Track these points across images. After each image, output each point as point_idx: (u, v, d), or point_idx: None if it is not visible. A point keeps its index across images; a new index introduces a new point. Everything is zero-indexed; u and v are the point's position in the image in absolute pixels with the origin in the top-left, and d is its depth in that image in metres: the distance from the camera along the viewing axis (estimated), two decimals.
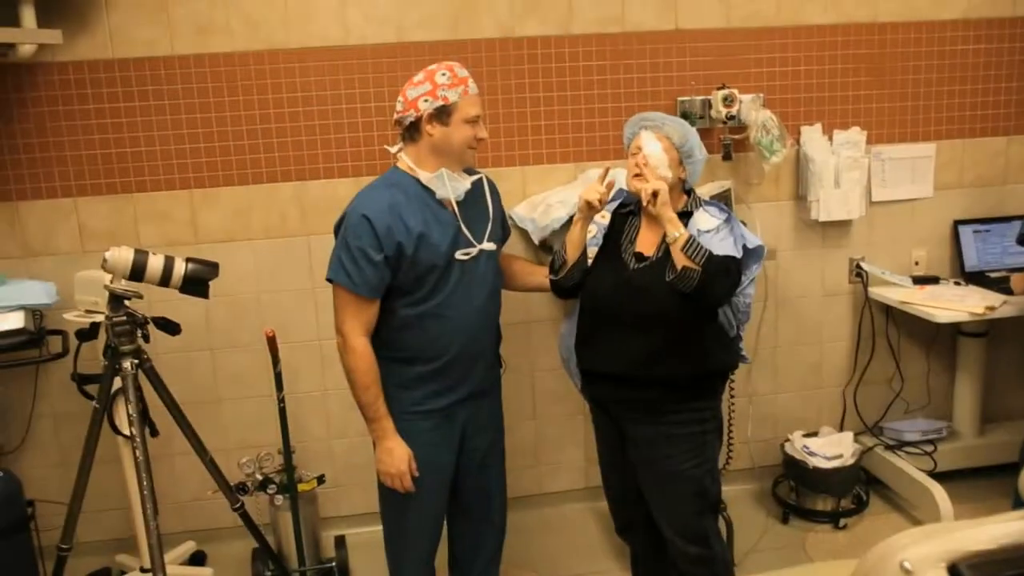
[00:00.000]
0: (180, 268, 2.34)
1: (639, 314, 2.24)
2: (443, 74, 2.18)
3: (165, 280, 2.33)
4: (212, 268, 2.41)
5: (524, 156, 3.19)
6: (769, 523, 3.31)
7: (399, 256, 2.17)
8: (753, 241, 2.27)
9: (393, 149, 2.31)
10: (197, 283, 2.37)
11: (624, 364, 2.29)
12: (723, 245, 2.21)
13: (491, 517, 2.55)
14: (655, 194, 2.14)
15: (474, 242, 2.26)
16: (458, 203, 2.26)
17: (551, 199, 3.00)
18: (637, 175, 2.26)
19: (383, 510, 2.44)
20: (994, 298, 3.20)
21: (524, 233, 3.08)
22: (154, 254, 2.34)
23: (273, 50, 2.99)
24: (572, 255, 2.35)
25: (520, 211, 3.11)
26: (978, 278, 3.45)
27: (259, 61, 2.99)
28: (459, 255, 2.23)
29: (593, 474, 3.45)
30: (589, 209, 2.28)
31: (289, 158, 3.07)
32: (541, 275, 2.55)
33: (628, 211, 2.40)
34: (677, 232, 2.14)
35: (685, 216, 2.27)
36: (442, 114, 2.17)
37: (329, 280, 2.23)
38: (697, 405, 2.30)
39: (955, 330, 3.47)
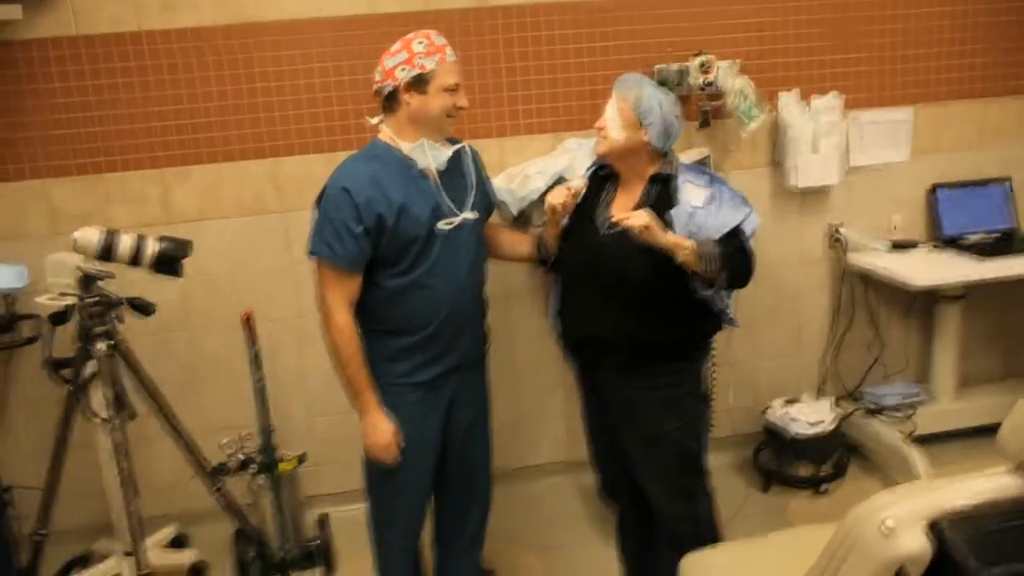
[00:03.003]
0: (151, 247, 2.31)
1: (611, 280, 2.24)
2: (420, 42, 2.15)
3: (136, 259, 2.30)
4: (184, 246, 2.37)
5: (501, 127, 3.15)
6: (750, 491, 3.33)
7: (380, 228, 2.15)
8: (742, 208, 2.25)
9: (373, 120, 2.28)
10: (169, 262, 2.33)
11: (598, 328, 2.30)
12: (722, 217, 2.19)
13: (476, 491, 2.54)
14: (646, 228, 2.08)
15: (456, 211, 2.24)
16: (440, 173, 2.24)
17: (529, 170, 2.97)
18: (599, 139, 2.29)
19: (367, 486, 2.43)
20: None
21: (502, 204, 3.05)
22: (124, 233, 2.30)
23: (242, 24, 2.93)
24: (554, 248, 2.38)
25: (498, 182, 3.07)
26: (955, 242, 3.47)
27: (228, 35, 2.93)
28: (441, 225, 2.21)
29: (575, 446, 3.46)
30: (554, 213, 2.31)
31: (262, 134, 3.03)
32: (527, 245, 2.54)
33: (605, 174, 2.38)
34: (684, 249, 2.10)
35: (663, 180, 2.25)
36: (420, 83, 2.14)
37: (311, 254, 2.21)
38: (673, 367, 2.30)
39: (933, 294, 3.48)
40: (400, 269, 2.21)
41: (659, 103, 2.21)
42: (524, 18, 3.08)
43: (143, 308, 2.44)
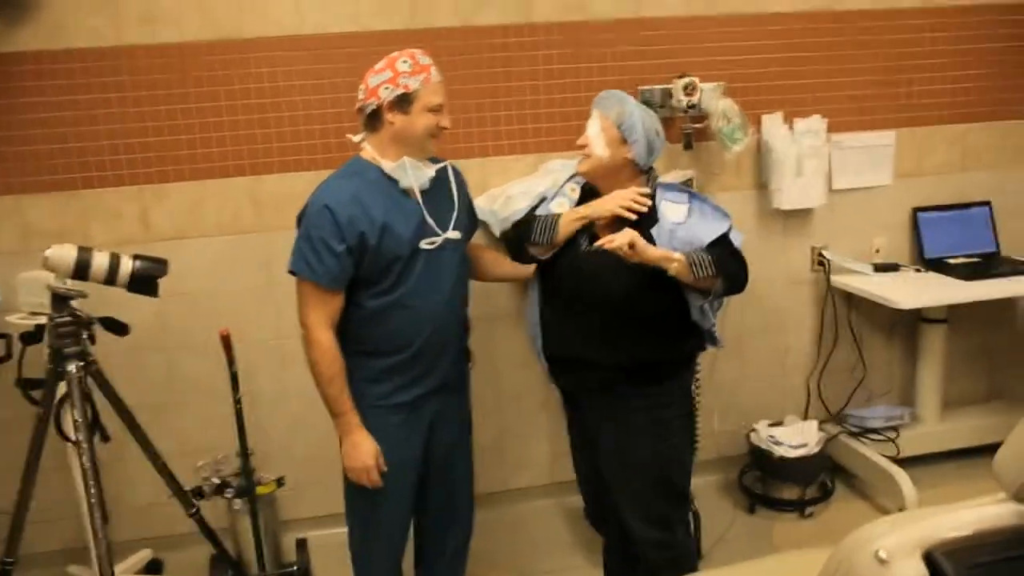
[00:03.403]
0: (127, 266, 2.26)
1: (591, 299, 2.21)
2: (404, 61, 2.14)
3: (111, 279, 2.25)
4: (160, 265, 2.32)
5: (484, 148, 3.14)
6: (736, 513, 3.30)
7: (362, 246, 2.12)
8: (724, 219, 2.23)
9: (356, 138, 2.26)
10: (145, 281, 2.28)
11: (577, 347, 2.25)
12: (705, 228, 2.17)
13: (457, 514, 2.50)
14: (631, 246, 2.03)
15: (438, 231, 2.21)
16: (423, 192, 2.22)
17: (511, 190, 2.95)
18: (581, 157, 2.25)
19: (348, 508, 2.38)
20: None
21: (484, 225, 3.03)
22: (99, 251, 2.25)
23: (225, 40, 2.90)
24: (559, 243, 2.26)
25: (480, 203, 3.05)
26: (938, 265, 3.47)
27: (210, 51, 2.90)
28: (423, 244, 2.19)
29: (559, 469, 3.42)
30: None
31: (243, 152, 2.99)
32: (510, 265, 2.51)
33: (590, 189, 2.34)
34: (674, 261, 2.06)
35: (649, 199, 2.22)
36: (403, 102, 2.13)
37: (291, 272, 2.18)
38: (656, 390, 2.25)
39: (916, 316, 3.48)
40: (381, 288, 2.18)
41: (641, 119, 2.19)
42: (508, 38, 3.07)
43: (116, 328, 2.38)
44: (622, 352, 2.20)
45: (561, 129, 3.16)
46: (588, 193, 2.33)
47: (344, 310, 2.21)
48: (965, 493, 3.27)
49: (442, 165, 2.29)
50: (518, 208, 2.90)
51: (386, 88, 2.12)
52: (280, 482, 2.89)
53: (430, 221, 2.20)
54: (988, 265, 3.45)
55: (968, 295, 3.19)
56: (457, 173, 2.38)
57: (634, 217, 2.13)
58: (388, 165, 2.18)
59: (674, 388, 2.31)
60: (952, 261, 3.49)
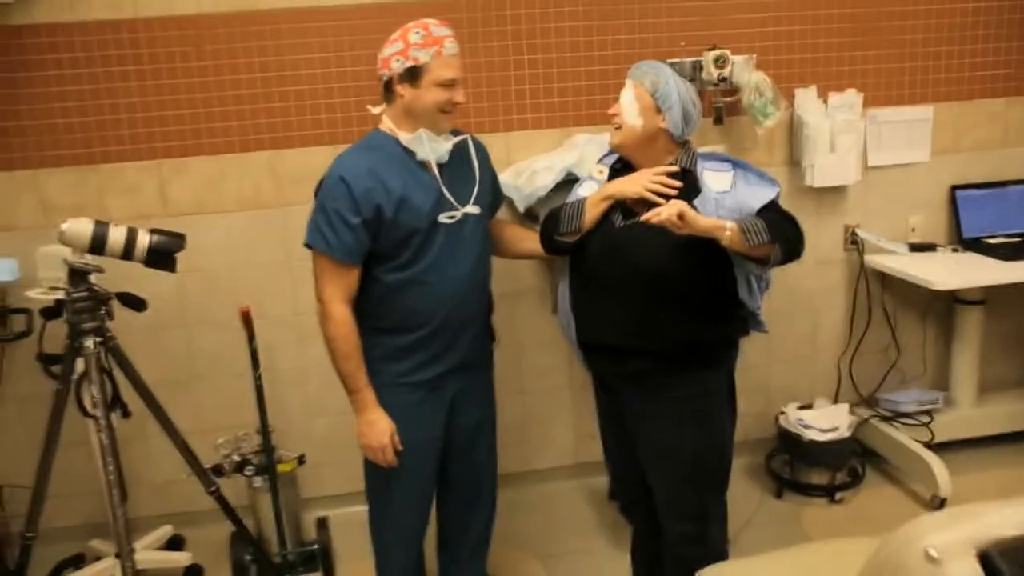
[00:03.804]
0: (144, 240, 2.21)
1: (625, 278, 2.10)
2: (416, 32, 2.07)
3: (128, 253, 2.20)
4: (178, 240, 2.28)
5: (508, 121, 3.06)
6: (764, 498, 3.23)
7: (378, 219, 2.07)
8: (771, 186, 2.12)
9: (375, 110, 2.20)
10: (163, 256, 2.24)
11: (612, 333, 2.16)
12: (752, 194, 2.07)
13: (481, 496, 2.46)
14: (680, 216, 1.90)
15: (456, 205, 2.15)
16: (442, 165, 2.17)
17: (536, 165, 2.87)
18: (614, 128, 2.15)
19: (368, 487, 2.35)
20: None
21: (508, 201, 2.96)
22: (115, 226, 2.21)
23: (243, 12, 2.84)
24: (588, 227, 2.16)
25: (504, 178, 2.97)
26: (976, 244, 3.36)
27: (228, 24, 2.84)
28: (442, 218, 2.13)
29: (583, 450, 3.37)
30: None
31: (262, 126, 2.94)
32: (533, 241, 2.43)
33: (620, 167, 2.24)
34: (727, 230, 1.93)
35: (683, 173, 2.13)
36: (412, 75, 2.07)
37: (307, 245, 2.14)
38: (693, 377, 2.15)
39: (952, 298, 3.38)
40: (399, 263, 2.13)
41: (676, 87, 2.09)
42: (533, 8, 2.99)
43: (134, 303, 2.35)
44: (661, 336, 2.10)
45: (587, 103, 3.08)
46: (617, 174, 2.23)
47: (362, 285, 2.17)
48: (1002, 480, 3.19)
49: (462, 139, 2.22)
50: (543, 183, 2.83)
51: (397, 60, 2.07)
52: (301, 460, 2.86)
53: (447, 195, 2.14)
54: None
55: (1007, 276, 3.08)
56: (480, 147, 2.31)
57: (662, 201, 2.01)
58: (405, 137, 2.13)
59: (716, 375, 2.20)
60: (991, 241, 3.38)
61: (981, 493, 3.15)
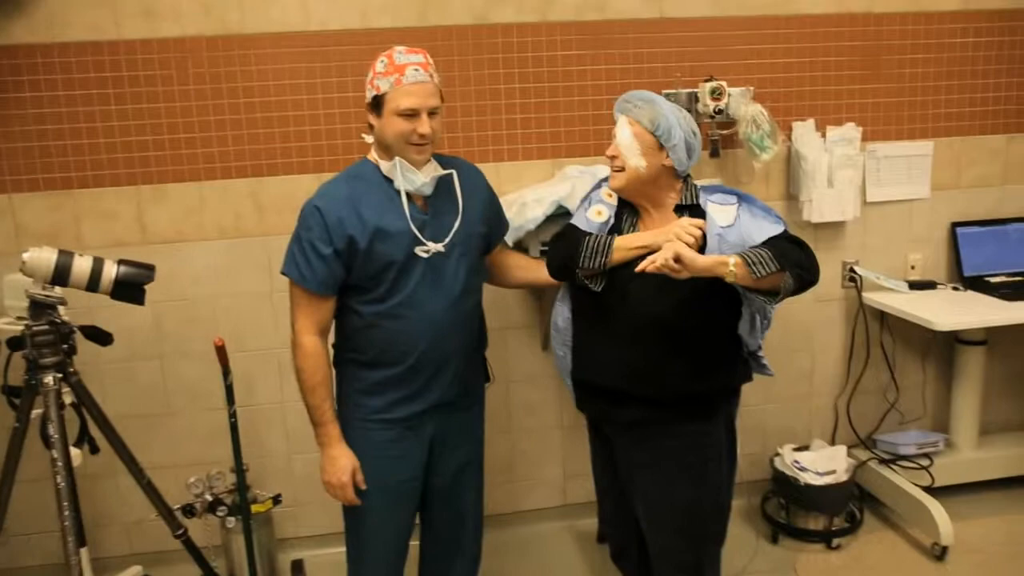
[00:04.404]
0: (110, 271, 2.12)
1: (628, 322, 2.01)
2: (381, 61, 2.01)
3: (93, 284, 2.11)
4: (147, 271, 2.19)
5: (498, 152, 2.98)
6: (759, 543, 3.11)
7: (352, 250, 2.01)
8: (777, 222, 2.02)
9: (368, 139, 2.14)
10: (130, 288, 2.15)
11: (612, 377, 2.07)
12: (758, 229, 1.96)
13: (463, 543, 2.35)
14: (677, 259, 1.80)
15: (424, 241, 2.06)
16: (427, 197, 2.09)
17: (526, 197, 2.78)
18: (613, 169, 2.05)
19: (345, 528, 2.25)
20: None
21: None
22: (80, 255, 2.12)
23: (227, 35, 2.77)
24: (611, 266, 2.03)
25: None
26: (977, 283, 3.28)
27: (212, 47, 2.77)
28: (419, 251, 2.05)
29: (571, 491, 3.27)
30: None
31: (244, 152, 2.86)
32: (532, 271, 2.38)
33: (622, 202, 2.16)
34: (729, 266, 1.81)
35: (687, 209, 2.04)
36: (375, 105, 2.02)
37: (284, 273, 2.08)
38: (692, 428, 2.06)
39: (953, 338, 3.29)
40: (376, 295, 2.06)
41: (677, 120, 2.01)
42: (525, 37, 2.92)
43: (98, 337, 2.25)
44: (663, 384, 2.02)
45: (579, 134, 3.00)
46: (623, 202, 2.15)
47: (340, 316, 2.12)
48: (1005, 527, 3.09)
49: (446, 173, 2.12)
50: (533, 216, 2.74)
51: (368, 88, 2.03)
52: (277, 500, 2.74)
53: (414, 230, 2.04)
54: None
55: (1010, 317, 2.99)
56: (472, 177, 2.23)
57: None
58: (385, 166, 2.07)
59: (715, 426, 2.11)
60: (992, 279, 3.29)
61: (984, 540, 3.04)
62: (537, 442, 3.23)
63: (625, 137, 2.01)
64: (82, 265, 2.10)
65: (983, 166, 3.35)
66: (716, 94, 2.93)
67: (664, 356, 2.00)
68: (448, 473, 2.25)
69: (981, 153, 3.33)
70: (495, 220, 2.34)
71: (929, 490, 3.10)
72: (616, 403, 2.07)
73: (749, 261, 1.82)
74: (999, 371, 3.45)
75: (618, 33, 2.97)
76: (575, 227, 2.14)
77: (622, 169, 2.04)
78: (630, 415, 2.05)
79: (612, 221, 2.12)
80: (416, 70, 1.99)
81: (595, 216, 2.14)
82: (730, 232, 1.96)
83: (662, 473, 2.07)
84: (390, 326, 2.06)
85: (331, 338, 2.18)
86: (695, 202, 2.05)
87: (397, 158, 2.03)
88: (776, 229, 1.98)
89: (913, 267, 3.34)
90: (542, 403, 3.19)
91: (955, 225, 3.34)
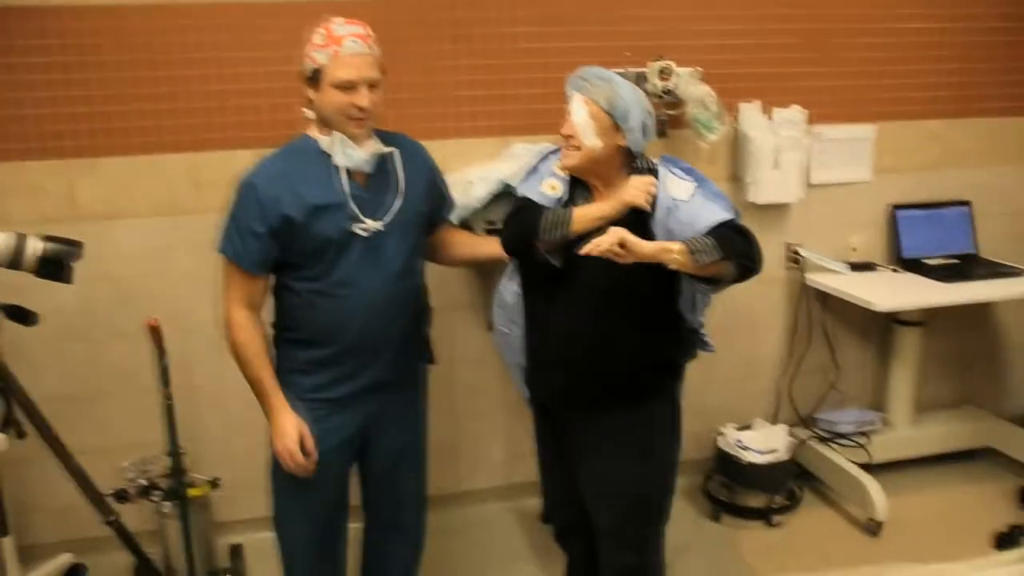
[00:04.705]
0: (34, 248, 2.03)
1: (580, 296, 2.00)
2: (319, 33, 1.95)
3: (15, 262, 2.02)
4: (74, 248, 2.10)
5: (444, 129, 2.93)
6: (700, 521, 3.15)
7: (287, 228, 1.96)
8: (730, 209, 2.00)
9: (310, 114, 2.06)
10: (56, 265, 2.06)
11: (564, 351, 2.05)
12: (709, 212, 1.93)
13: (404, 528, 2.33)
14: (622, 244, 1.79)
15: (362, 218, 2.01)
16: (368, 174, 2.04)
17: (471, 176, 2.75)
18: (566, 148, 2.02)
19: (273, 509, 2.22)
20: None
21: None
22: (1, 231, 2.02)
23: (163, 4, 2.66)
24: (576, 234, 1.99)
25: None
26: (915, 265, 3.34)
27: (147, 16, 2.66)
28: (357, 229, 2.00)
29: (515, 471, 3.26)
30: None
31: (181, 126, 2.75)
32: (478, 246, 2.36)
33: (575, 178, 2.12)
34: (673, 252, 1.81)
35: (641, 173, 2.02)
36: (312, 78, 1.96)
37: (219, 252, 2.04)
38: (642, 405, 2.07)
39: (890, 318, 3.35)
40: (313, 273, 2.01)
41: (635, 101, 1.98)
42: (472, 12, 2.86)
43: (21, 317, 2.15)
44: (616, 356, 2.01)
45: (526, 112, 2.96)
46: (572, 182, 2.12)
47: (276, 294, 2.08)
48: (938, 502, 3.17)
49: (388, 150, 2.07)
50: (477, 195, 2.71)
51: (304, 61, 1.96)
52: (214, 484, 2.68)
53: (352, 206, 2.00)
54: (966, 267, 3.33)
55: (947, 298, 3.06)
56: (415, 154, 2.18)
57: (648, 209, 1.93)
58: (324, 141, 2.01)
59: (661, 406, 2.13)
60: (929, 262, 3.36)
61: (917, 515, 3.12)
62: (481, 423, 3.22)
63: (581, 117, 1.97)
64: (3, 241, 2.01)
65: (923, 150, 3.40)
66: (664, 73, 2.91)
67: (614, 329, 1.99)
68: (387, 456, 2.22)
69: (921, 138, 3.38)
70: (438, 199, 2.29)
71: (866, 467, 3.16)
72: (566, 379, 2.06)
73: (692, 249, 1.82)
74: (934, 351, 3.53)
75: (568, 9, 2.93)
76: (531, 201, 2.10)
77: (578, 148, 2.00)
78: (579, 391, 2.05)
79: (566, 196, 2.09)
80: (355, 41, 1.93)
81: (550, 191, 2.10)
82: (682, 208, 1.94)
83: (611, 452, 2.08)
84: (326, 305, 2.02)
85: (271, 317, 2.13)
86: (652, 167, 2.04)
87: (336, 133, 1.98)
88: (725, 215, 1.97)
89: (854, 249, 3.39)
90: (487, 383, 3.17)
91: (895, 208, 3.40)
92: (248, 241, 1.96)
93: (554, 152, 2.17)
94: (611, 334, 2.00)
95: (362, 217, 2.00)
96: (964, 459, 3.49)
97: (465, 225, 2.82)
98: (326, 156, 2.00)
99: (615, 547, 2.15)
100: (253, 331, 2.03)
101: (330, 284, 2.01)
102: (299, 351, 2.07)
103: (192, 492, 2.58)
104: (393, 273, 2.07)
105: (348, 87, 1.92)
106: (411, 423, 2.28)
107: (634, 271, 1.90)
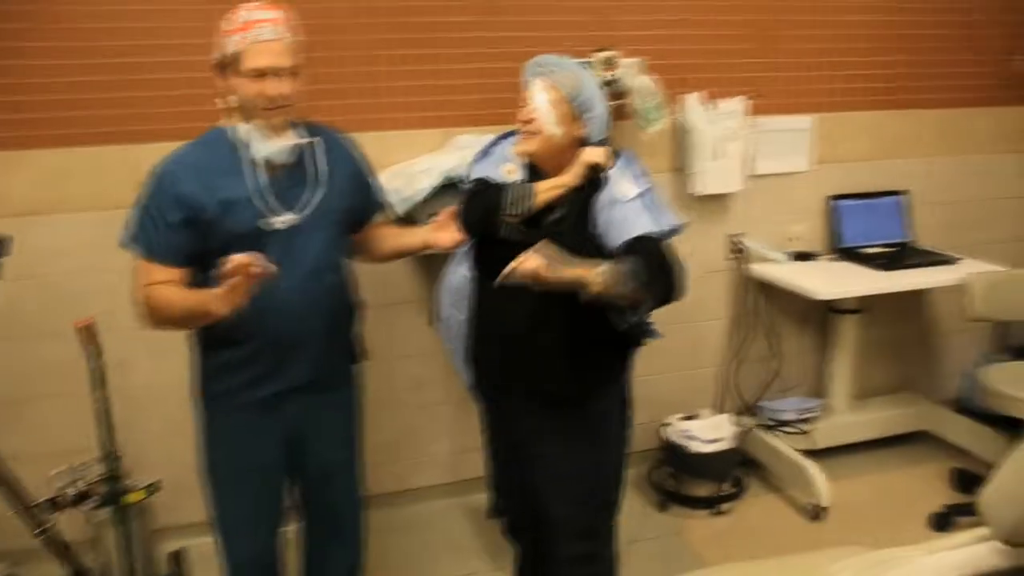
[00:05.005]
0: None
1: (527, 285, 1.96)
2: (229, 19, 1.89)
3: None
4: (2, 244, 2.00)
5: (385, 120, 2.88)
6: (648, 512, 3.17)
7: (199, 220, 1.89)
8: (670, 221, 2.00)
9: (230, 101, 1.97)
10: None
11: (515, 326, 2.02)
12: (645, 219, 1.92)
13: (341, 535, 2.26)
14: (539, 270, 1.73)
15: (280, 210, 1.94)
16: (286, 166, 1.96)
17: (415, 168, 2.72)
18: (524, 134, 1.99)
19: (211, 517, 2.15)
20: None
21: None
22: None
23: None
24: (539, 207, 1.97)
25: (382, 181, 2.81)
26: (852, 254, 3.41)
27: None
28: (271, 223, 1.93)
29: (461, 466, 3.24)
30: (592, 172, 1.97)
31: (117, 116, 2.66)
32: (395, 239, 2.28)
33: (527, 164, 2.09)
34: (591, 284, 1.73)
35: (592, 170, 2.00)
36: (224, 66, 1.89)
37: (124, 245, 1.96)
38: (589, 396, 2.05)
39: (829, 307, 3.41)
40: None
41: (598, 92, 1.98)
42: (412, 1, 2.82)
43: None
44: (559, 336, 2.00)
45: (470, 102, 2.94)
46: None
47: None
48: (878, 485, 3.23)
49: (307, 141, 1.99)
50: (422, 187, 2.68)
51: (217, 49, 1.90)
52: (152, 488, 2.59)
53: (268, 199, 1.93)
54: (901, 255, 3.41)
55: (885, 286, 3.13)
56: (340, 147, 2.11)
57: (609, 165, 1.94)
58: (239, 132, 1.93)
59: (610, 394, 2.13)
60: (867, 251, 3.43)
61: (858, 498, 3.19)
62: (425, 418, 3.18)
63: (543, 103, 1.95)
64: None
65: (857, 141, 3.47)
66: (609, 64, 2.91)
67: (563, 312, 1.96)
68: (318, 460, 2.15)
69: (856, 128, 3.45)
70: (366, 195, 2.22)
71: (809, 453, 3.22)
72: (507, 353, 2.06)
73: (612, 280, 1.75)
74: (871, 338, 3.61)
75: (511, 0, 2.91)
76: (486, 181, 2.08)
77: (537, 134, 1.97)
78: (529, 383, 2.05)
79: (525, 181, 2.07)
80: (266, 27, 1.86)
81: (507, 174, 2.09)
82: (618, 207, 1.93)
83: (563, 442, 2.07)
84: None
85: None
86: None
87: (252, 123, 1.91)
88: (663, 224, 1.95)
89: (795, 238, 3.45)
90: (430, 378, 3.14)
91: (832, 198, 3.46)
92: (161, 232, 1.89)
93: (505, 137, 2.16)
94: (559, 317, 1.98)
95: (276, 211, 1.94)
96: (901, 443, 3.58)
97: (409, 218, 2.78)
98: (241, 147, 1.93)
99: (567, 537, 2.14)
100: (166, 289, 1.90)
101: None
102: (217, 350, 2.00)
103: (129, 498, 2.49)
104: (310, 269, 1.99)
105: (261, 75, 1.85)
106: (342, 425, 2.20)
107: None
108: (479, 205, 2.08)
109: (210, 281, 1.92)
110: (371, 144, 2.80)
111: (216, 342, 2.00)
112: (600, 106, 1.98)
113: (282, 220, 1.94)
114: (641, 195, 1.97)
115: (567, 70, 1.98)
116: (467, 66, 2.92)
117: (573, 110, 1.96)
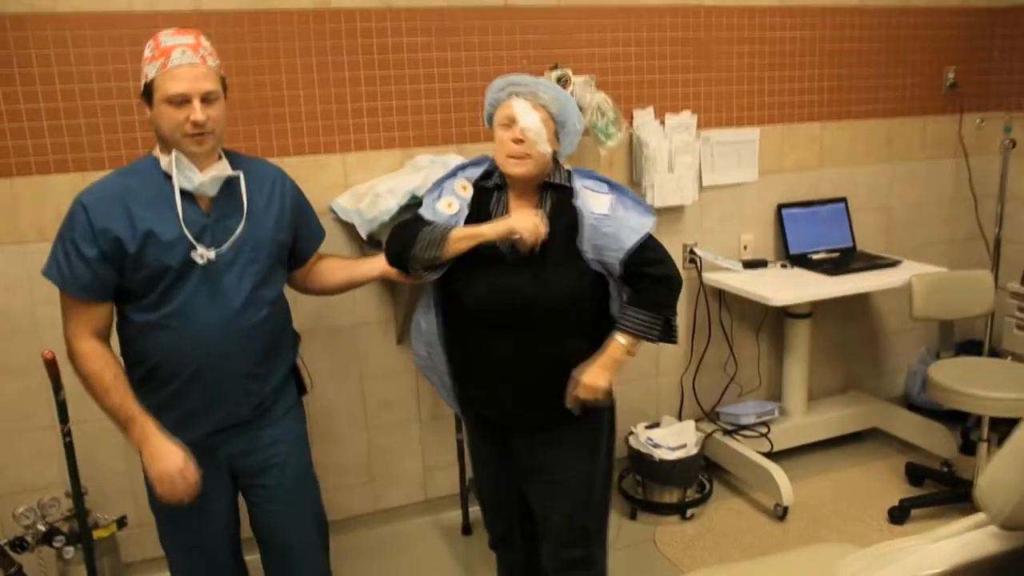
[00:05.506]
0: None
1: (516, 314, 1.98)
2: (149, 46, 1.85)
3: None
4: None
5: (345, 142, 2.88)
6: (618, 520, 3.20)
7: (119, 253, 1.83)
8: (646, 210, 2.06)
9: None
10: None
11: (500, 371, 2.03)
12: (631, 225, 1.99)
13: (300, 564, 2.17)
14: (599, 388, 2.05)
15: (196, 244, 1.87)
16: (213, 199, 1.91)
17: (378, 189, 2.71)
18: (517, 156, 1.97)
19: (166, 557, 2.11)
20: None
21: (349, 227, 2.78)
22: None
23: (38, 14, 2.50)
24: (445, 263, 2.00)
25: (343, 202, 2.81)
26: (802, 260, 3.52)
27: (19, 26, 2.49)
28: (194, 257, 1.87)
29: (432, 485, 3.23)
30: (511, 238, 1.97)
31: (66, 144, 2.60)
32: (365, 265, 2.26)
33: (494, 185, 2.09)
34: (628, 355, 2.06)
35: (559, 188, 2.04)
36: (146, 94, 1.85)
37: (44, 275, 1.90)
38: (588, 406, 2.07)
39: (782, 312, 3.51)
40: (147, 303, 1.88)
41: (576, 112, 2.02)
42: (369, 23, 2.83)
43: None
44: (546, 374, 2.02)
45: (428, 122, 2.96)
46: (483, 192, 2.09)
47: (118, 325, 1.95)
48: (835, 482, 3.31)
49: (232, 174, 1.93)
50: (387, 207, 2.67)
51: (142, 77, 1.86)
52: (121, 522, 2.53)
53: (187, 233, 1.86)
54: (846, 260, 3.53)
55: (835, 290, 3.24)
56: (270, 180, 2.04)
57: (534, 250, 1.96)
58: (163, 161, 1.88)
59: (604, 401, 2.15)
60: (814, 256, 3.55)
61: (817, 496, 3.28)
62: (394, 438, 3.17)
63: (535, 122, 1.95)
64: None
65: (802, 151, 3.60)
66: (562, 81, 2.96)
67: (560, 341, 2.02)
68: (263, 501, 2.09)
69: (800, 139, 3.58)
70: (304, 228, 2.16)
71: (769, 455, 3.30)
72: (508, 395, 2.06)
73: (637, 335, 2.04)
74: (821, 341, 3.73)
75: (462, 20, 2.94)
76: (420, 217, 2.08)
77: (527, 156, 1.98)
78: (524, 408, 2.07)
79: (465, 212, 2.07)
80: (184, 52, 1.81)
81: (445, 208, 2.07)
82: (604, 222, 1.98)
83: (562, 454, 2.10)
84: (160, 338, 1.89)
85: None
86: (564, 183, 2.06)
87: (175, 152, 1.85)
88: (648, 221, 2.02)
89: (746, 247, 3.55)
90: (398, 398, 3.13)
91: (780, 207, 3.57)
92: (77, 265, 1.83)
93: (463, 168, 2.16)
94: (545, 347, 2.01)
95: (196, 245, 1.87)
96: (853, 441, 3.70)
97: (372, 239, 2.78)
98: (167, 178, 1.88)
99: (562, 544, 2.16)
100: (105, 357, 1.88)
101: (164, 316, 1.88)
102: (144, 388, 1.92)
103: (97, 534, 2.43)
104: (234, 307, 1.92)
105: (180, 101, 1.80)
106: (287, 460, 2.11)
107: (570, 288, 1.99)
108: (395, 242, 2.09)
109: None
110: (332, 166, 2.84)
111: (143, 378, 1.93)
112: (579, 123, 2.03)
113: (201, 254, 1.88)
114: (615, 202, 2.02)
115: (551, 90, 2.00)
116: (423, 86, 2.93)
117: (555, 128, 1.99)
